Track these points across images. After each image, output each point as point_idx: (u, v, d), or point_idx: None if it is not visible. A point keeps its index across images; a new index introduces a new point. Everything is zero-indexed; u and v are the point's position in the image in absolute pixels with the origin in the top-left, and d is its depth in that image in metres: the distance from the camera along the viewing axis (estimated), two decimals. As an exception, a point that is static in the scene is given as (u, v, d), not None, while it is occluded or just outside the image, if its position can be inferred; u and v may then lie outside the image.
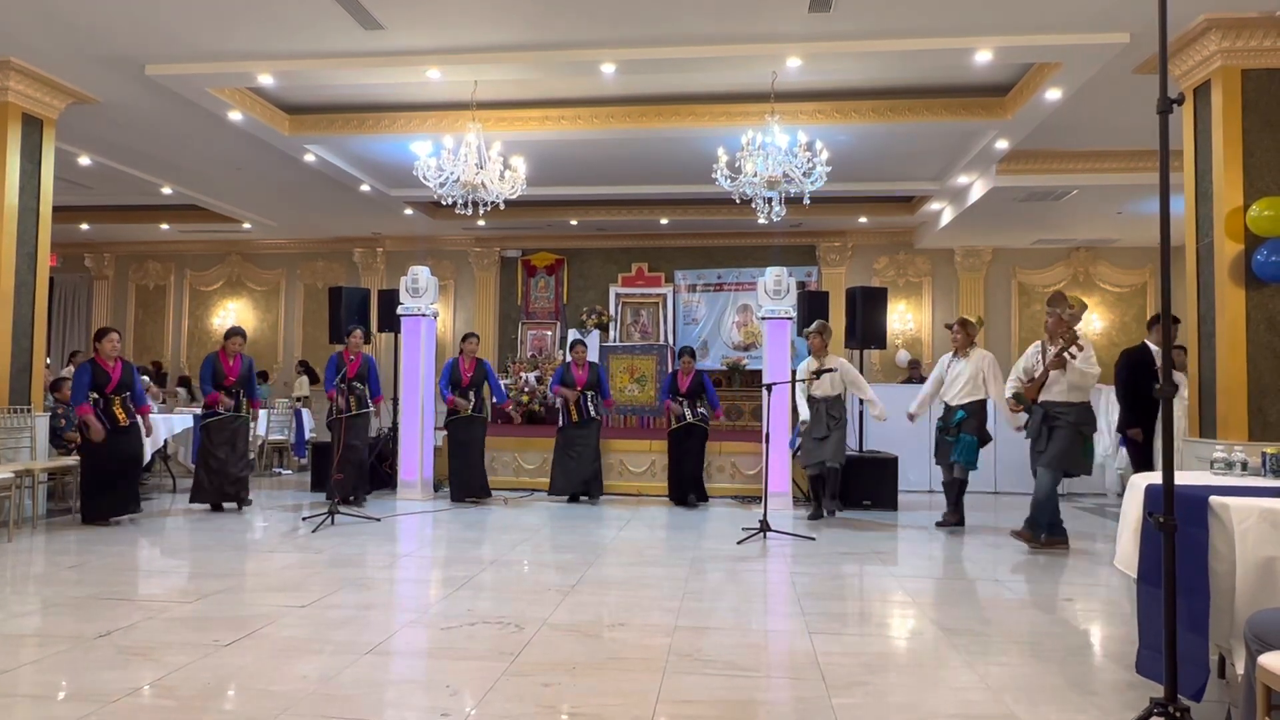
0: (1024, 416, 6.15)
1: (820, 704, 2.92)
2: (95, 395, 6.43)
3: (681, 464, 8.07)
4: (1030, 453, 6.07)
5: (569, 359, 8.51)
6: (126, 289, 14.39)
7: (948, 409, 6.84)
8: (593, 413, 8.25)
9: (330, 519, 6.49)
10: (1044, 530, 5.91)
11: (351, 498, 7.53)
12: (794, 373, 7.58)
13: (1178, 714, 2.38)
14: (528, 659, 3.34)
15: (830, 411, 7.33)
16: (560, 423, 8.50)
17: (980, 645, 3.65)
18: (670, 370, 9.40)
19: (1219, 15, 5.35)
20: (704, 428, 8.09)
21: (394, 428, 8.88)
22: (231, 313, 14.06)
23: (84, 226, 12.66)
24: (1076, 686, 3.16)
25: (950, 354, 7.00)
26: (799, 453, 7.70)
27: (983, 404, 6.70)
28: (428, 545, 6.03)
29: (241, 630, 3.66)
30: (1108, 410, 9.32)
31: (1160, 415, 2.87)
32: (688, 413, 8.05)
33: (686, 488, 8.02)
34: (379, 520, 6.75)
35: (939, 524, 6.89)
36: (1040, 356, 6.00)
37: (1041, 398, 5.92)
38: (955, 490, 6.83)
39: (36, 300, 6.88)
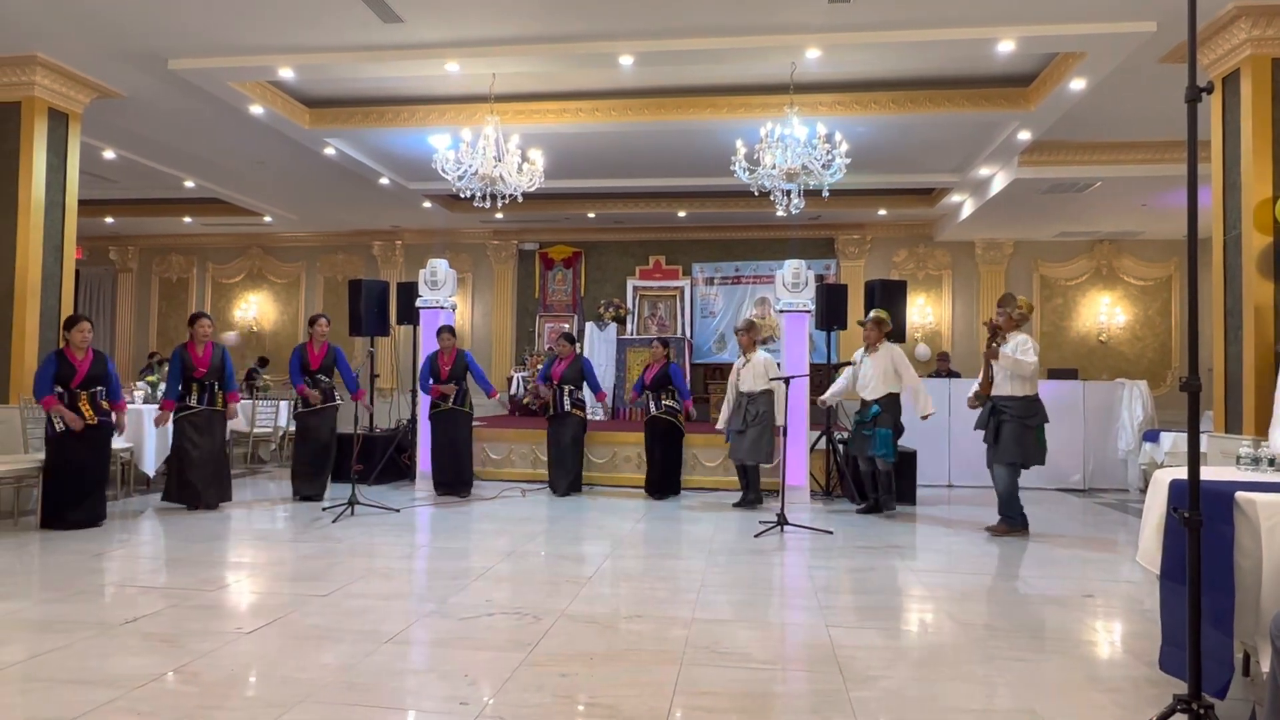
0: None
1: (838, 697, 2.91)
2: (60, 390, 5.92)
3: (651, 457, 7.94)
4: (987, 447, 6.32)
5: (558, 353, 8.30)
6: (150, 282, 14.58)
7: (864, 404, 7.06)
8: (567, 407, 8.03)
9: (350, 509, 6.55)
10: (1018, 520, 6.22)
11: (310, 493, 7.26)
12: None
13: (1201, 711, 2.35)
14: (545, 649, 3.36)
15: (749, 406, 7.24)
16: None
17: (999, 640, 3.63)
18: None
19: (1248, 3, 5.27)
20: (668, 420, 7.86)
21: (413, 419, 8.94)
22: (253, 305, 14.21)
23: (109, 220, 12.83)
24: (1097, 683, 3.14)
25: (863, 349, 7.18)
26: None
27: (895, 397, 6.94)
28: (445, 536, 6.06)
29: (263, 618, 3.71)
30: (1130, 404, 9.22)
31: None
32: (652, 405, 7.94)
33: (657, 482, 7.85)
34: (398, 511, 6.80)
35: (860, 510, 7.14)
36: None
37: (993, 393, 6.22)
38: (887, 480, 7.01)
39: (63, 293, 7.00)
